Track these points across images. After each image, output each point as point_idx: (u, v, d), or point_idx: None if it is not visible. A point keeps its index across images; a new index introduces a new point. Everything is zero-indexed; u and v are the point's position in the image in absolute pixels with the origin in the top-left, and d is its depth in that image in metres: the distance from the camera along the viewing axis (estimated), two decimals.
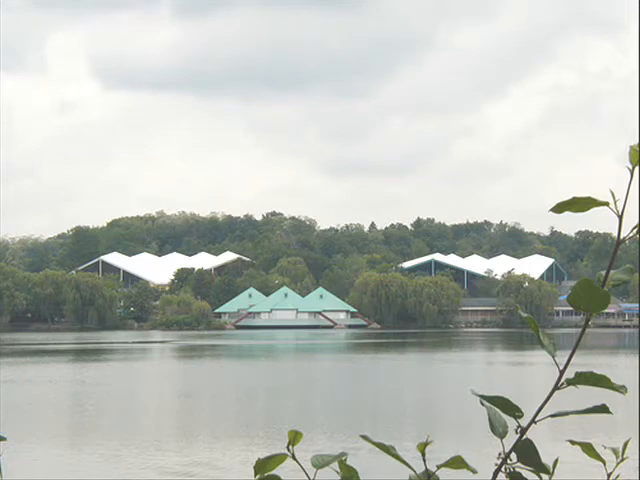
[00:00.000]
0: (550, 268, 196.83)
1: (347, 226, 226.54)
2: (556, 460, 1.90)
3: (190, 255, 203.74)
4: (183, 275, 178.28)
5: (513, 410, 1.87)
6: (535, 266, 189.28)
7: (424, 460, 1.89)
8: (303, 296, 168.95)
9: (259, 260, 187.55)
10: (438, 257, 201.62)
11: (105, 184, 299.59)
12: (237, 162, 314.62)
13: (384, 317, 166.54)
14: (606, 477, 1.98)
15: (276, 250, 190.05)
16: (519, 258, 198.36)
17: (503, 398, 1.88)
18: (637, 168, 1.80)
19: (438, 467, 1.87)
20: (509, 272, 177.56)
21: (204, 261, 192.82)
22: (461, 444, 26.22)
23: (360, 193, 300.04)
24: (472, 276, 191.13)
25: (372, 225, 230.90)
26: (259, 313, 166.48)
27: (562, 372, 1.84)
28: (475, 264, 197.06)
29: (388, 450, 1.86)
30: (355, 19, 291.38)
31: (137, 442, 28.29)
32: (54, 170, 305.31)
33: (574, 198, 1.82)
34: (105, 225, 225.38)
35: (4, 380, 50.02)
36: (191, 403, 41.01)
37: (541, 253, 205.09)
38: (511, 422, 1.87)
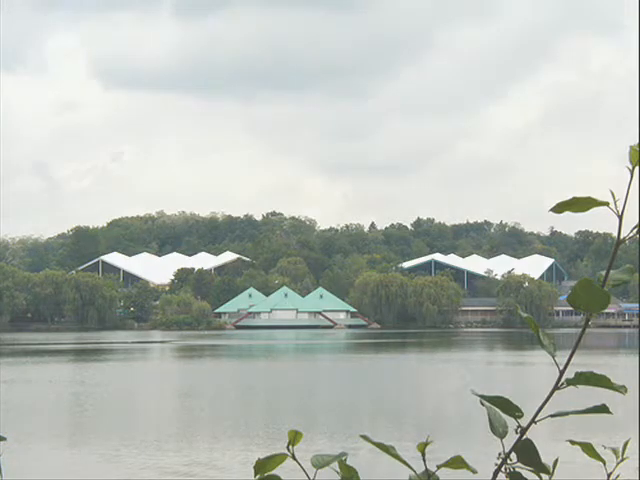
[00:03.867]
0: (550, 268, 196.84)
1: (347, 226, 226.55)
2: (556, 460, 1.90)
3: (190, 255, 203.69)
4: (183, 275, 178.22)
5: (513, 410, 1.87)
6: (535, 266, 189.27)
7: (424, 460, 1.89)
8: (303, 296, 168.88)
9: (259, 260, 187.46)
10: (438, 257, 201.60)
11: (105, 184, 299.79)
12: (237, 162, 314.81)
13: (384, 317, 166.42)
14: (606, 477, 1.98)
15: (276, 250, 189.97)
16: (519, 258, 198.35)
17: (503, 398, 1.88)
18: (637, 168, 1.80)
19: (438, 467, 1.87)
20: (509, 272, 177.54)
21: (204, 261, 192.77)
22: (461, 444, 26.20)
23: (360, 193, 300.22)
24: (472, 276, 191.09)
25: (372, 225, 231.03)
26: (259, 313, 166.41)
27: (562, 372, 1.84)
28: (475, 264, 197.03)
29: (388, 450, 1.86)
30: (355, 19, 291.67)
31: (137, 442, 28.28)
32: (54, 170, 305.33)
33: (574, 198, 1.82)
34: (105, 225, 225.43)
35: (4, 380, 50.00)
36: (191, 403, 40.99)
37: (541, 253, 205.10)
38: (511, 422, 1.87)
